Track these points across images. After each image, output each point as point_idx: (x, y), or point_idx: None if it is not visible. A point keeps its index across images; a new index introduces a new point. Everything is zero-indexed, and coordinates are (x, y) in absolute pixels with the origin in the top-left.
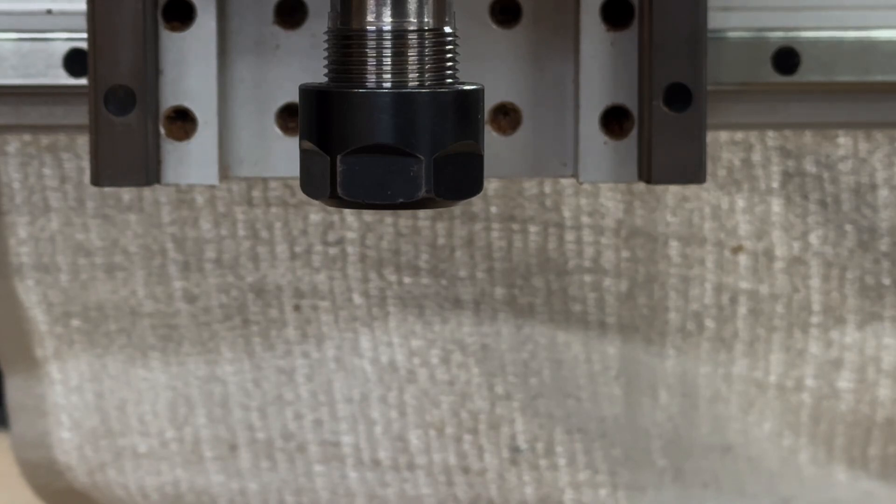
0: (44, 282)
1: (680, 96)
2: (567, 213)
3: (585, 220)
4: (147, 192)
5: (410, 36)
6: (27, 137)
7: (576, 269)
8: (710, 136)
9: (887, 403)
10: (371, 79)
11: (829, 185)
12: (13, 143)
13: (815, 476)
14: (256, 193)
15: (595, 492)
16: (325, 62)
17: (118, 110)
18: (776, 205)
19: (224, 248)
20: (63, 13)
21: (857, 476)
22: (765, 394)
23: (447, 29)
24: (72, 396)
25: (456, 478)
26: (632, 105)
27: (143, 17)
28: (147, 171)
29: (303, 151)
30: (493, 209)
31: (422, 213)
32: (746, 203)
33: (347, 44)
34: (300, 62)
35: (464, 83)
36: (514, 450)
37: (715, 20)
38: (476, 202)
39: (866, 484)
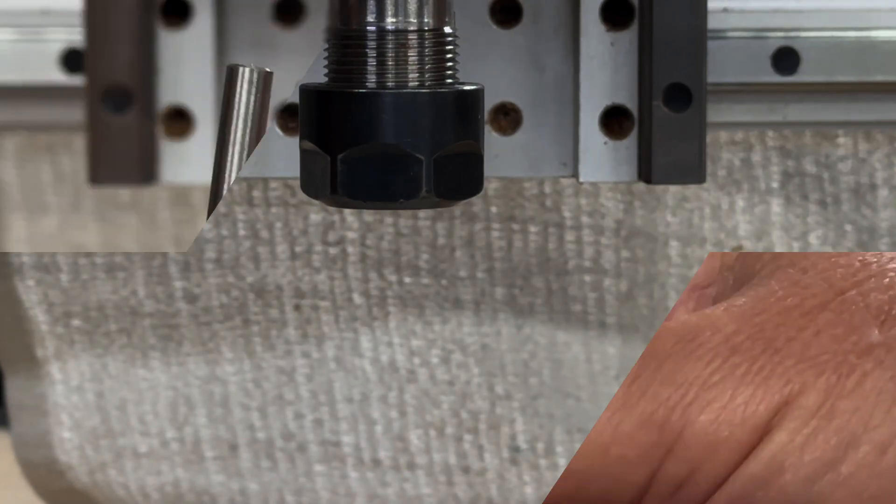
0: (44, 282)
1: (680, 96)
2: (567, 213)
3: (585, 220)
4: (146, 191)
5: (410, 36)
6: (24, 136)
7: (576, 269)
8: (710, 136)
9: None
10: (371, 79)
11: (829, 185)
12: (10, 142)
13: None
14: (256, 193)
15: None
16: (325, 62)
17: (115, 109)
18: (776, 205)
19: (224, 248)
20: (59, 11)
21: None
22: None
23: (447, 29)
24: (72, 396)
25: (456, 477)
26: (632, 105)
27: (140, 14)
28: (145, 170)
29: (303, 151)
30: (493, 209)
31: (422, 213)
32: (746, 203)
33: (347, 43)
34: (299, 62)
35: (464, 83)
36: (514, 450)
37: (715, 20)
38: (476, 202)
39: None
